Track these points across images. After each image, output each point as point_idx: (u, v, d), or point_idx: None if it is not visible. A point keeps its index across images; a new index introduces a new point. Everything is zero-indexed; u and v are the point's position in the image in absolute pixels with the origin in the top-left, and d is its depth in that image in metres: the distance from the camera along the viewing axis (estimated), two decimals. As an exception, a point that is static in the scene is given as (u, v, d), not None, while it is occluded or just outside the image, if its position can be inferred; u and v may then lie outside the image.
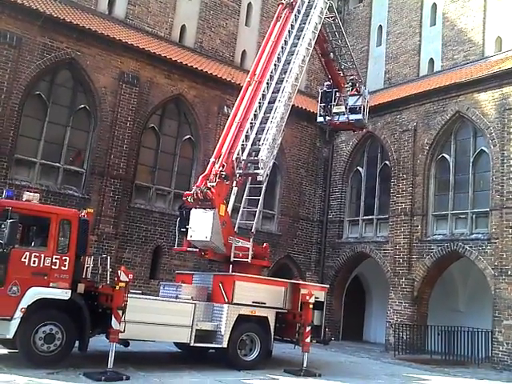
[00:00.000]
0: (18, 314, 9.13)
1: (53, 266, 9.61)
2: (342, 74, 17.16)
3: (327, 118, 17.07)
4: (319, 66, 19.98)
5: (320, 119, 17.38)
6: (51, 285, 9.55)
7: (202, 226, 11.71)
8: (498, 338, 15.74)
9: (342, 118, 16.94)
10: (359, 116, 16.81)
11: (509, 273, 15.84)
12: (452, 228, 18.22)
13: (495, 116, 17.27)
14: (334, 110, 16.93)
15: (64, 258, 9.78)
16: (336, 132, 21.47)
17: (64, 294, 9.61)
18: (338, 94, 16.99)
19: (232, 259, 12.26)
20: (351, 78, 17.20)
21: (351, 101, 16.83)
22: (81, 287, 10.06)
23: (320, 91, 17.66)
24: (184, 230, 12.28)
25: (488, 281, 16.58)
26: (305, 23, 15.39)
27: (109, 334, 9.65)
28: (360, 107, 16.76)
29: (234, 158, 12.49)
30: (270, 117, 13.43)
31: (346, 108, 16.79)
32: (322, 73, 19.98)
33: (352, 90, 16.96)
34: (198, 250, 12.43)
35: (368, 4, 25.07)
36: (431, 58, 21.93)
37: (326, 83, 17.69)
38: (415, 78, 22.04)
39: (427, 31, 22.39)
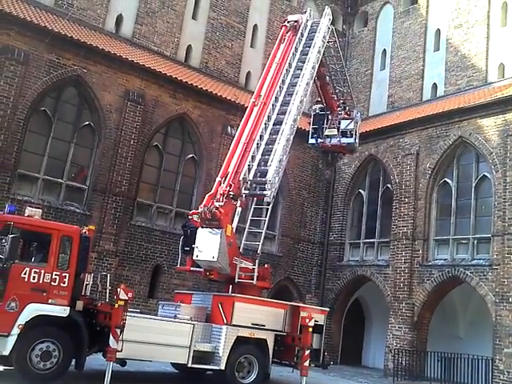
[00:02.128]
0: (16, 331, 9.07)
1: (52, 283, 9.58)
2: (335, 98, 17.31)
3: (319, 140, 17.18)
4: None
5: (312, 141, 17.48)
6: (50, 301, 9.51)
7: (208, 245, 11.64)
8: (498, 366, 15.56)
9: (334, 141, 17.04)
10: (351, 140, 16.94)
11: (510, 300, 15.71)
12: (453, 253, 18.13)
13: (498, 142, 17.31)
14: (326, 132, 17.04)
15: (64, 274, 9.75)
16: (337, 154, 21.57)
17: (62, 311, 9.55)
18: (330, 117, 17.12)
19: (236, 280, 12.19)
20: (344, 102, 17.34)
21: (343, 124, 16.95)
22: (79, 304, 10.02)
23: (312, 113, 17.80)
24: (188, 249, 12.24)
25: (489, 307, 16.44)
26: (309, 46, 15.59)
27: (106, 353, 9.59)
28: (351, 131, 16.88)
29: (240, 178, 12.51)
30: (277, 138, 13.51)
31: (338, 131, 16.90)
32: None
33: (345, 113, 17.10)
34: (202, 269, 12.36)
35: (372, 28, 25.30)
36: (434, 83, 22.05)
37: (318, 106, 17.82)
38: (418, 102, 22.13)
39: (431, 56, 22.55)
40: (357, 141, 17.12)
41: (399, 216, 19.49)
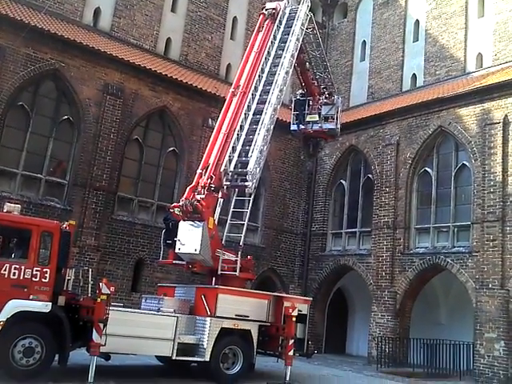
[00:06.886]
0: (-3, 328, 8.99)
1: (33, 278, 9.49)
2: (316, 84, 17.32)
3: (301, 126, 17.17)
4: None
5: (294, 127, 17.44)
6: (31, 297, 9.43)
7: (190, 238, 11.61)
8: (479, 350, 15.82)
9: (316, 127, 17.05)
10: (332, 125, 16.99)
11: (490, 286, 15.98)
12: (434, 241, 18.35)
13: (476, 131, 17.51)
14: (308, 118, 17.03)
15: (45, 270, 9.66)
16: (318, 144, 21.65)
17: (44, 307, 9.47)
18: (311, 103, 17.14)
19: (219, 272, 12.20)
20: (325, 87, 17.37)
21: (324, 110, 16.97)
22: (61, 300, 9.94)
23: (293, 99, 17.79)
24: (170, 242, 12.20)
25: (469, 294, 16.70)
26: (287, 34, 15.54)
27: (89, 348, 9.55)
28: (333, 116, 16.95)
29: (221, 170, 12.47)
30: (257, 128, 13.47)
31: (319, 117, 16.93)
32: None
33: (325, 99, 17.12)
34: (185, 262, 12.35)
35: (352, 20, 25.36)
36: (414, 74, 22.21)
37: (299, 91, 17.84)
38: (398, 92, 22.28)
39: (410, 47, 22.70)
40: (338, 126, 17.17)
41: (380, 205, 19.65)
